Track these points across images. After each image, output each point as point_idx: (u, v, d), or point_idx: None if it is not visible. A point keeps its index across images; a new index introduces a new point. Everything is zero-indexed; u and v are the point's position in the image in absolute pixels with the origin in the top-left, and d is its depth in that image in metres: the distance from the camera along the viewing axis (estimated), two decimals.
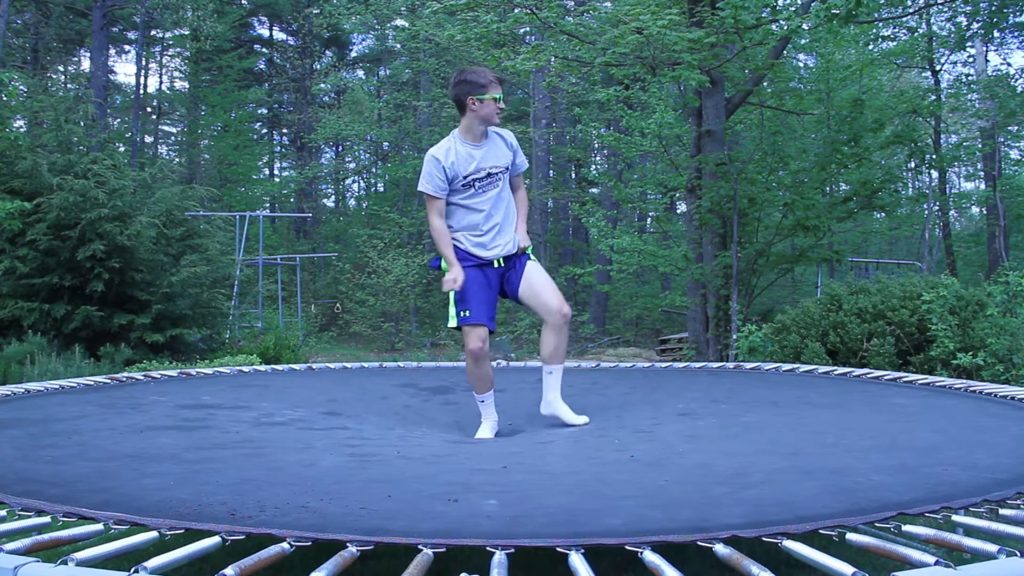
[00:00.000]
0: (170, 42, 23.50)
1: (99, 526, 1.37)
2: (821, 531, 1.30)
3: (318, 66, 24.80)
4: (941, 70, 16.40)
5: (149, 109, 23.71)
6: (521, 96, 21.17)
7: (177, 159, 23.53)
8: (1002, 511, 1.43)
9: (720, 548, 1.23)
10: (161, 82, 24.84)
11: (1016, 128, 17.11)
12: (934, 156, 14.59)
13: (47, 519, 1.40)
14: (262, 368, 4.88)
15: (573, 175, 21.63)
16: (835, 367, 4.49)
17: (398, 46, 21.61)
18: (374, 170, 25.78)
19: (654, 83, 9.28)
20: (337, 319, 17.26)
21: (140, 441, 2.27)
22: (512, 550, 1.23)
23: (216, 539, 1.28)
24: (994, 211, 16.32)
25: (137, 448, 2.14)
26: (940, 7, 12.12)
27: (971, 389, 3.32)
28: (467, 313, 3.06)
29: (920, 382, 3.63)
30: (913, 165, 16.23)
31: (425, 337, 16.32)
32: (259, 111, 25.84)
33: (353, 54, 26.40)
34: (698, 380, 4.12)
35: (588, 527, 1.33)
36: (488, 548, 1.23)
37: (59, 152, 8.62)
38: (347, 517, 1.38)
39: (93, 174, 8.08)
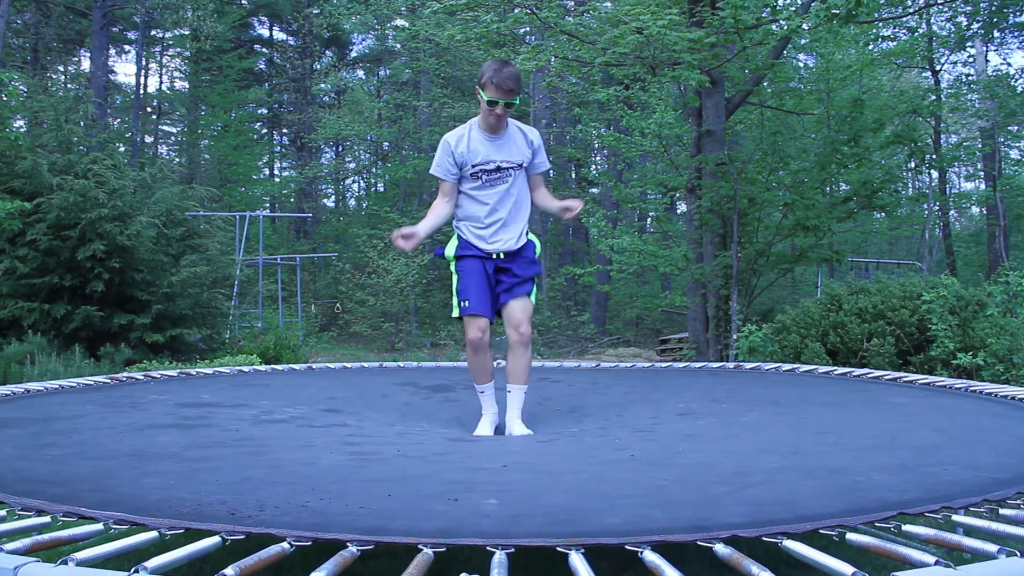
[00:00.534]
0: (170, 42, 23.50)
1: (99, 526, 1.37)
2: (821, 531, 1.30)
3: (318, 66, 24.80)
4: (941, 70, 16.41)
5: (149, 109, 23.71)
6: (521, 96, 21.17)
7: (177, 159, 23.53)
8: (1002, 511, 1.43)
9: (720, 548, 1.23)
10: (161, 82, 24.87)
11: (1016, 128, 17.11)
12: (934, 156, 14.60)
13: (47, 519, 1.40)
14: (262, 368, 4.87)
15: (573, 175, 21.63)
16: (835, 367, 4.49)
17: (398, 46, 21.61)
18: (374, 170, 25.78)
19: (654, 83, 9.28)
20: (337, 319, 17.26)
21: (140, 440, 2.27)
22: (512, 550, 1.23)
23: (216, 539, 1.28)
24: (994, 211, 16.31)
25: (137, 447, 2.14)
26: (940, 7, 12.13)
27: (971, 389, 3.32)
28: (467, 303, 3.08)
29: (920, 382, 3.62)
30: (913, 165, 16.24)
31: (425, 337, 16.32)
32: (259, 111, 25.84)
33: (353, 54, 26.41)
34: (698, 380, 4.12)
35: (588, 526, 1.33)
36: (488, 548, 1.23)
37: (59, 152, 8.62)
38: (347, 516, 1.38)
39: (93, 174, 8.08)
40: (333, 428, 2.74)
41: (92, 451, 2.03)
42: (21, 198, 7.59)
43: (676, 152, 10.09)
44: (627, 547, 1.23)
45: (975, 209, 22.55)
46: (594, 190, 19.90)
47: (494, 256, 3.16)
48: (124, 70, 41.07)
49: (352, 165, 26.45)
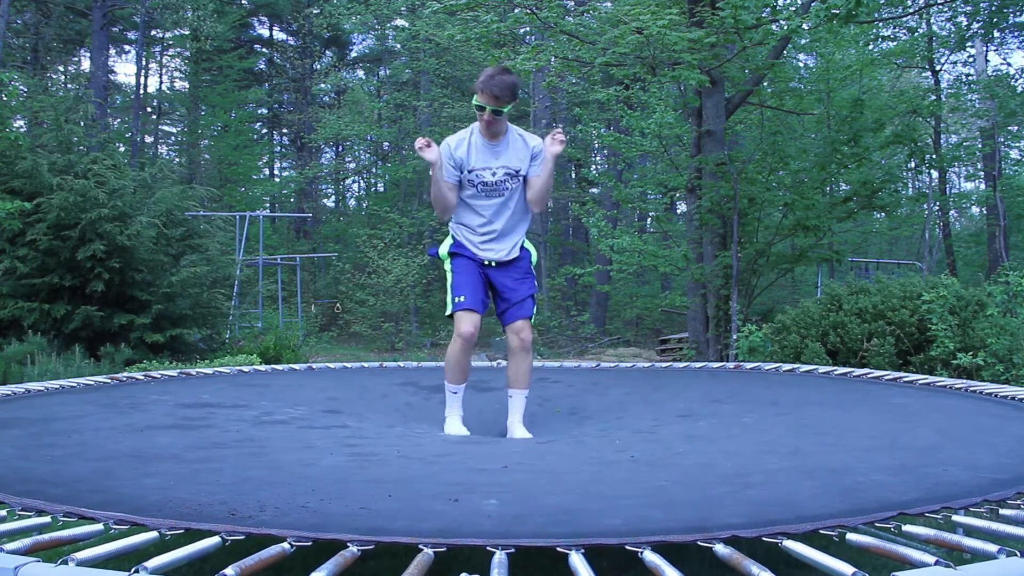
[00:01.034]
0: (170, 42, 23.50)
1: (99, 526, 1.37)
2: (821, 531, 1.30)
3: (318, 66, 24.80)
4: (941, 70, 16.41)
5: (149, 109, 23.71)
6: (521, 96, 21.18)
7: (177, 159, 23.53)
8: (1002, 511, 1.43)
9: (720, 548, 1.23)
10: (161, 82, 24.86)
11: (1016, 128, 17.10)
12: (934, 156, 14.59)
13: (47, 519, 1.40)
14: (262, 368, 4.87)
15: (573, 175, 21.64)
16: (835, 367, 4.49)
17: (398, 46, 21.61)
18: (374, 170, 25.78)
19: (654, 83, 9.28)
20: (337, 319, 17.26)
21: (140, 440, 2.27)
22: (512, 549, 1.23)
23: (216, 539, 1.28)
24: (994, 211, 16.31)
25: (137, 448, 2.14)
26: (940, 7, 12.13)
27: (971, 389, 3.32)
28: (462, 299, 3.08)
29: (920, 382, 3.63)
30: (913, 165, 16.23)
31: (425, 337, 16.32)
32: (259, 111, 25.83)
33: (353, 54, 26.41)
34: (698, 380, 4.12)
35: (588, 527, 1.33)
36: (488, 548, 1.23)
37: (59, 152, 8.62)
38: (347, 517, 1.38)
39: (93, 174, 8.08)
40: (333, 430, 2.74)
41: (92, 452, 2.03)
42: (21, 198, 7.59)
43: (676, 152, 10.09)
44: (627, 547, 1.23)
45: (975, 209, 22.54)
46: (594, 190, 19.90)
47: (486, 263, 3.17)
48: (124, 70, 41.10)
49: (352, 165, 26.46)
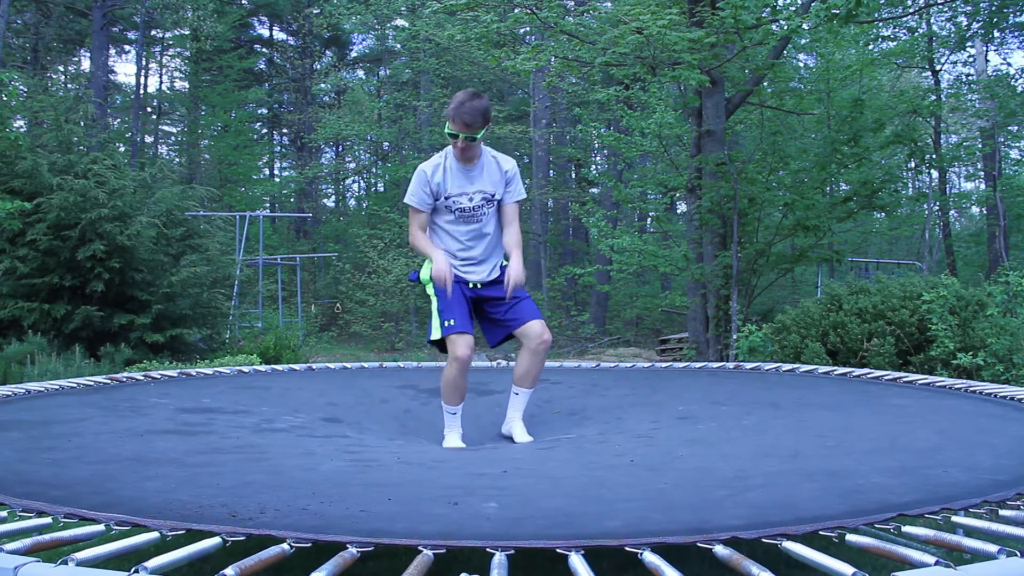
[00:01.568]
0: (170, 42, 23.50)
1: (100, 527, 1.37)
2: (821, 532, 1.30)
3: (318, 66, 24.80)
4: (941, 70, 16.40)
5: (149, 109, 23.71)
6: (521, 96, 21.17)
7: (177, 159, 23.53)
8: (1002, 512, 1.43)
9: (720, 549, 1.23)
10: (161, 82, 24.86)
11: (1016, 128, 17.10)
12: (934, 156, 14.60)
13: (48, 520, 1.40)
14: (262, 368, 4.87)
15: (573, 175, 21.64)
16: (835, 367, 4.49)
17: (398, 46, 21.61)
18: (374, 170, 25.79)
19: (654, 83, 9.28)
20: (337, 319, 17.26)
21: (140, 444, 2.27)
22: (512, 551, 1.23)
23: (216, 540, 1.28)
24: (994, 211, 16.31)
25: (138, 451, 2.14)
26: (940, 7, 12.12)
27: (971, 389, 3.32)
28: (452, 322, 3.03)
29: (920, 382, 3.63)
30: (913, 165, 16.24)
31: (425, 337, 16.31)
32: (259, 111, 25.84)
33: (353, 54, 26.41)
34: (698, 381, 4.12)
35: (588, 529, 1.33)
36: (488, 549, 1.24)
37: (59, 152, 8.62)
38: (347, 519, 1.39)
39: (93, 174, 8.08)
40: (334, 438, 2.74)
41: (92, 455, 2.03)
42: (21, 198, 7.59)
43: (676, 152, 10.09)
44: (627, 548, 1.24)
45: (975, 209, 22.55)
46: (594, 190, 19.90)
47: (470, 284, 3.15)
48: (124, 70, 41.07)
49: (352, 165, 26.47)
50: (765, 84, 9.43)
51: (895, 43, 13.82)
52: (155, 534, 1.32)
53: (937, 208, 17.42)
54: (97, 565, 1.20)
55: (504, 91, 21.88)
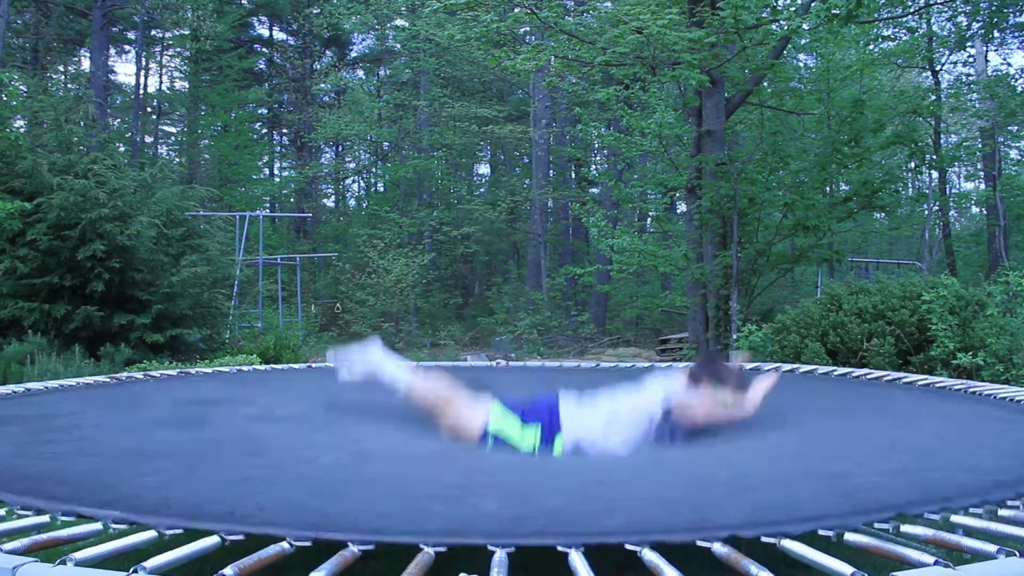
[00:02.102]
0: (170, 42, 23.50)
1: (98, 525, 1.36)
2: (820, 531, 1.30)
3: (318, 66, 24.79)
4: (941, 70, 16.40)
5: (149, 109, 23.71)
6: (521, 96, 21.17)
7: (177, 159, 23.52)
8: (1001, 512, 1.43)
9: (719, 547, 1.23)
10: (161, 82, 24.85)
11: (1016, 128, 17.09)
12: (934, 156, 14.59)
13: (46, 518, 1.40)
14: (262, 368, 4.88)
15: (573, 175, 21.63)
16: (835, 367, 4.49)
17: (398, 46, 21.61)
18: (374, 170, 25.78)
19: (654, 83, 9.28)
20: (337, 319, 17.26)
21: (140, 437, 2.27)
22: (512, 549, 1.23)
23: (215, 538, 1.28)
24: (994, 211, 16.31)
25: (137, 444, 2.14)
26: (940, 7, 12.12)
27: (971, 390, 3.32)
28: None
29: (920, 382, 3.63)
30: (913, 165, 16.23)
31: (425, 337, 16.32)
32: (259, 111, 25.83)
33: (353, 54, 26.40)
34: None
35: (588, 527, 1.33)
36: (489, 547, 1.23)
37: (59, 152, 8.62)
38: (347, 516, 1.38)
39: (93, 174, 8.08)
40: (334, 426, 2.75)
41: (92, 448, 2.03)
42: (21, 198, 7.59)
43: (676, 152, 10.09)
44: (627, 547, 1.23)
45: (975, 209, 22.54)
46: (594, 190, 19.90)
47: None
48: (124, 70, 41.03)
49: (352, 165, 26.46)
50: (765, 84, 9.43)
51: (895, 43, 13.82)
52: (153, 533, 1.31)
53: (937, 208, 17.42)
54: (96, 565, 1.20)
55: (504, 91, 21.88)
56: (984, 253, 17.41)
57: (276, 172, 27.24)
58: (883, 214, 13.38)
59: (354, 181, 27.84)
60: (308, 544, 1.27)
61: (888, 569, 1.17)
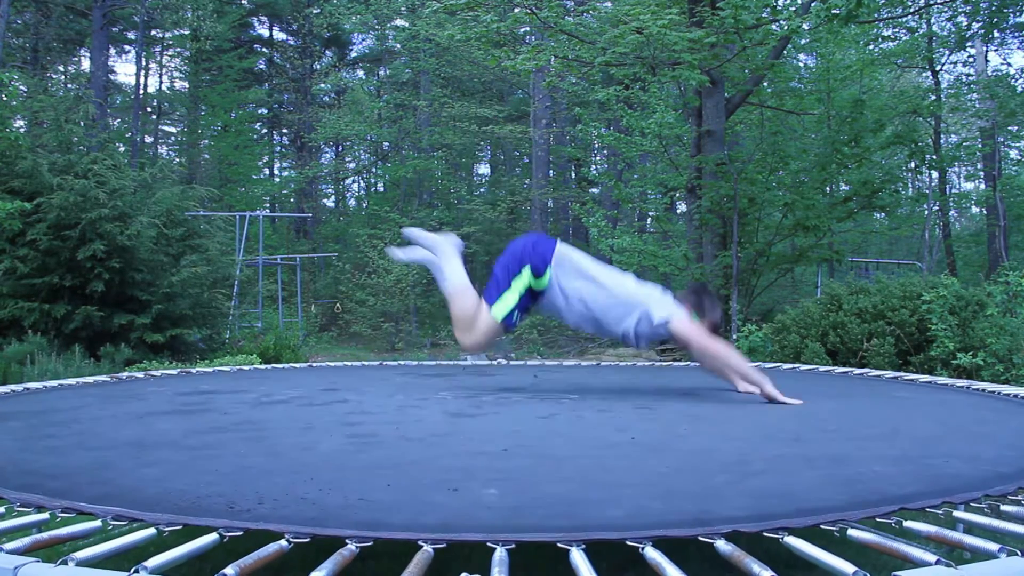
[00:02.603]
0: (170, 42, 23.52)
1: (97, 522, 1.36)
2: (822, 526, 1.30)
3: (318, 66, 24.81)
4: (941, 70, 16.41)
5: (149, 109, 23.73)
6: (521, 96, 21.18)
7: (177, 159, 23.53)
8: (1003, 507, 1.43)
9: (721, 544, 1.22)
10: (161, 82, 24.87)
11: (1016, 128, 17.10)
12: (934, 156, 14.60)
13: (46, 515, 1.40)
14: (262, 367, 4.90)
15: (573, 175, 21.64)
16: (835, 367, 4.49)
17: (398, 46, 21.62)
18: (374, 170, 25.79)
19: (654, 83, 9.28)
20: (337, 319, 17.26)
21: (140, 427, 2.27)
22: (512, 545, 1.22)
23: (214, 536, 1.27)
24: (994, 211, 16.31)
25: (136, 435, 2.14)
26: (940, 7, 12.13)
27: (972, 388, 3.32)
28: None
29: (920, 381, 3.63)
30: (913, 165, 16.24)
31: (425, 337, 16.32)
32: (259, 111, 25.85)
33: (353, 54, 26.42)
34: (698, 374, 4.12)
35: (589, 519, 1.33)
36: (489, 544, 1.23)
37: (59, 152, 8.62)
38: (346, 509, 1.38)
39: (93, 174, 8.08)
40: (332, 405, 2.78)
41: (91, 441, 2.03)
42: (21, 198, 7.59)
43: (676, 152, 10.09)
44: (628, 543, 1.23)
45: (975, 209, 22.55)
46: (594, 190, 19.91)
47: None
48: (124, 70, 41.05)
49: (352, 165, 26.47)
50: (765, 84, 9.43)
51: (895, 43, 13.83)
52: (152, 530, 1.31)
53: (937, 208, 17.42)
54: (96, 564, 1.19)
55: (504, 91, 21.89)
56: (984, 253, 17.41)
57: (276, 172, 27.27)
58: (883, 214, 13.38)
59: (354, 181, 27.87)
60: (307, 540, 1.27)
61: (890, 568, 1.17)
